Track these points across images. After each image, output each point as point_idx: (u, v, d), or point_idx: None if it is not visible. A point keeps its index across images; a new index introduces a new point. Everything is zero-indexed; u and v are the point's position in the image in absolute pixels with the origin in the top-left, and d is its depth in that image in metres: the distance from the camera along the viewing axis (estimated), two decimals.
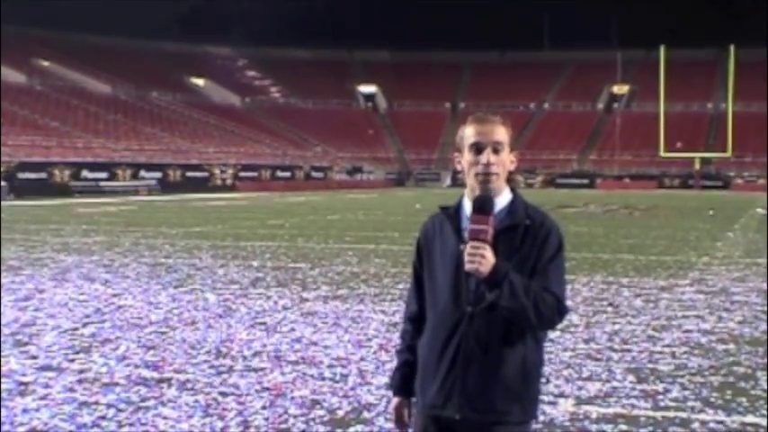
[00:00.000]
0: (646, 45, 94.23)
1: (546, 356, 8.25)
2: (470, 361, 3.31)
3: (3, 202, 41.12)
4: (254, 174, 72.13)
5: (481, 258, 3.16)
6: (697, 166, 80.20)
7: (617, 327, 10.26)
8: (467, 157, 3.40)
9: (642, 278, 14.87)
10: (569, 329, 9.93)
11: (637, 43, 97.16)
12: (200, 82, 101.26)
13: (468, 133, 3.41)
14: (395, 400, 3.65)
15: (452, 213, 3.45)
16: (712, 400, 7.16)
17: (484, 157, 3.35)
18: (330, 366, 8.19)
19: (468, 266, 3.19)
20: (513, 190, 3.45)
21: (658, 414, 6.74)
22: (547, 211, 3.48)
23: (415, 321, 3.58)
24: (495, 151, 3.37)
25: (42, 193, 49.64)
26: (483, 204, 3.28)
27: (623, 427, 6.43)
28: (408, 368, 3.57)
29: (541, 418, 6.49)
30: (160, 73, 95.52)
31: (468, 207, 3.36)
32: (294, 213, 35.07)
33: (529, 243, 3.34)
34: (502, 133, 3.40)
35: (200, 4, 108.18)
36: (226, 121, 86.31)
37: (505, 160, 3.40)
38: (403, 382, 3.60)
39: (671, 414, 6.75)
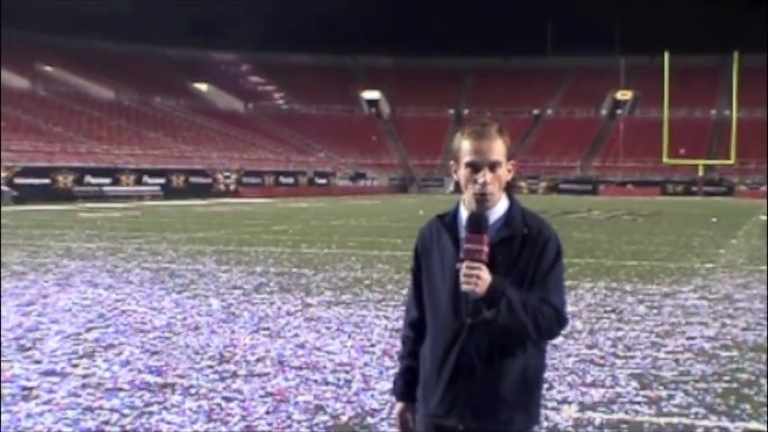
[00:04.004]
0: (649, 51, 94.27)
1: (549, 362, 8.28)
2: (471, 371, 3.30)
3: (5, 208, 41.17)
4: (258, 179, 72.13)
5: (477, 279, 3.15)
6: (700, 172, 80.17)
7: (620, 333, 10.26)
8: (463, 171, 3.36)
9: (645, 284, 14.86)
10: (573, 335, 9.93)
11: (640, 49, 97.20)
12: (203, 87, 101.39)
13: (465, 149, 3.36)
14: (399, 406, 3.65)
15: (449, 223, 3.42)
16: (716, 406, 7.15)
17: (480, 177, 3.31)
18: (333, 372, 8.19)
19: (464, 287, 3.18)
20: (510, 196, 3.42)
21: (662, 420, 6.73)
22: (545, 219, 3.45)
23: (416, 327, 3.57)
24: (492, 169, 3.33)
25: (46, 198, 49.66)
26: (478, 223, 3.24)
27: None
28: (411, 374, 3.56)
29: (545, 423, 6.50)
30: (163, 78, 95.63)
31: (465, 216, 3.34)
32: (297, 219, 35.08)
33: (527, 253, 3.31)
34: (499, 149, 3.34)
35: (203, 10, 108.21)
36: (229, 126, 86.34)
37: (503, 174, 3.36)
38: (406, 388, 3.59)
39: (674, 420, 6.74)
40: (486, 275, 3.16)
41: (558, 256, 3.37)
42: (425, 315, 3.51)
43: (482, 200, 3.32)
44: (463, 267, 3.18)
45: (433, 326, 3.44)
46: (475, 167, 3.33)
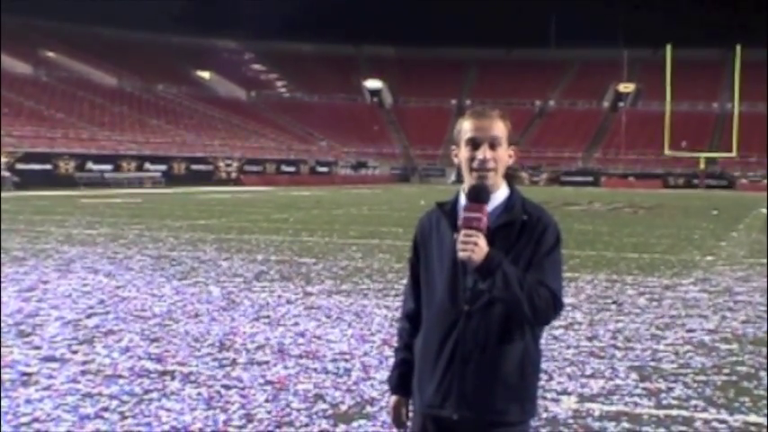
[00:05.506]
0: (652, 44, 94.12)
1: (549, 353, 8.30)
2: (468, 360, 3.28)
3: (6, 193, 41.18)
4: (259, 168, 72.12)
5: (474, 246, 3.11)
6: (702, 165, 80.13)
7: (620, 325, 10.26)
8: (463, 151, 3.36)
9: (646, 277, 14.86)
10: (573, 327, 9.94)
11: (643, 42, 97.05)
12: (206, 75, 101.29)
13: (466, 128, 3.37)
14: (393, 399, 3.62)
15: (449, 210, 3.41)
16: (715, 398, 7.16)
17: (480, 153, 3.31)
18: (333, 361, 8.20)
19: (460, 254, 3.14)
20: (510, 185, 3.41)
21: (661, 412, 6.74)
22: (545, 207, 3.44)
23: (413, 319, 3.55)
24: (492, 147, 3.32)
25: (47, 184, 49.66)
26: (478, 193, 3.25)
27: (626, 424, 6.43)
28: (406, 367, 3.54)
29: (544, 414, 6.51)
30: (166, 66, 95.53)
31: (464, 203, 3.32)
32: (298, 208, 35.08)
33: (525, 238, 3.30)
34: (500, 128, 3.35)
35: None
36: (231, 114, 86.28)
37: (503, 156, 3.35)
38: (401, 381, 3.57)
39: (674, 412, 6.74)
40: (483, 243, 3.14)
41: (557, 242, 3.35)
42: (422, 307, 3.49)
43: (481, 176, 3.31)
44: (460, 235, 3.16)
45: (429, 314, 3.42)
46: (475, 144, 3.33)
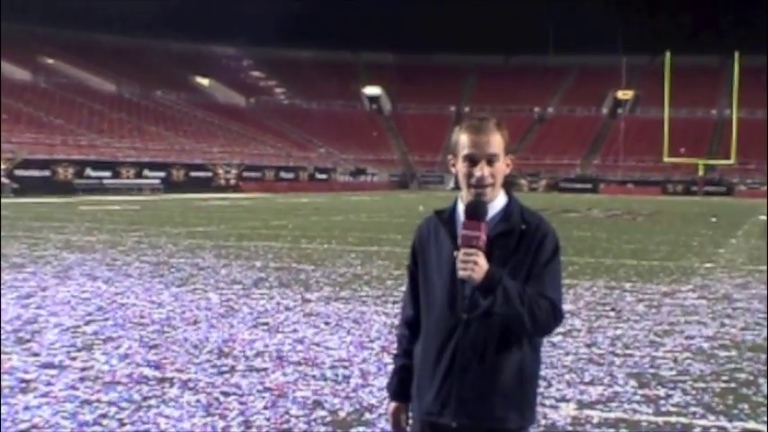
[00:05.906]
0: (651, 50, 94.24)
1: (548, 360, 8.31)
2: (466, 368, 3.27)
3: (5, 200, 41.16)
4: (258, 174, 72.11)
5: (474, 265, 3.12)
6: (700, 172, 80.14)
7: (619, 331, 10.25)
8: (460, 166, 3.35)
9: (645, 283, 14.85)
10: (572, 334, 9.93)
11: (642, 49, 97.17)
12: (204, 82, 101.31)
13: (463, 142, 3.35)
14: (392, 405, 3.62)
15: (447, 218, 3.40)
16: (714, 405, 7.15)
17: (478, 171, 3.30)
18: (332, 367, 8.19)
19: (461, 273, 3.15)
20: (508, 193, 3.41)
21: (660, 419, 6.73)
22: (544, 215, 3.44)
23: (412, 326, 3.55)
24: (490, 163, 3.31)
25: (46, 190, 49.65)
26: (476, 210, 3.23)
27: (625, 431, 6.43)
28: (405, 373, 3.54)
29: (543, 421, 6.51)
30: (165, 72, 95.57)
31: (463, 211, 3.31)
32: (297, 214, 35.08)
33: (524, 247, 3.29)
34: (497, 143, 3.33)
35: (206, 4, 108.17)
36: (230, 121, 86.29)
37: (500, 169, 3.34)
38: (400, 387, 3.57)
39: (672, 419, 6.74)
40: (483, 262, 3.13)
41: (556, 251, 3.35)
42: (421, 314, 3.49)
43: (479, 193, 3.30)
44: (460, 254, 3.15)
45: (427, 322, 3.42)
46: (472, 160, 3.32)
